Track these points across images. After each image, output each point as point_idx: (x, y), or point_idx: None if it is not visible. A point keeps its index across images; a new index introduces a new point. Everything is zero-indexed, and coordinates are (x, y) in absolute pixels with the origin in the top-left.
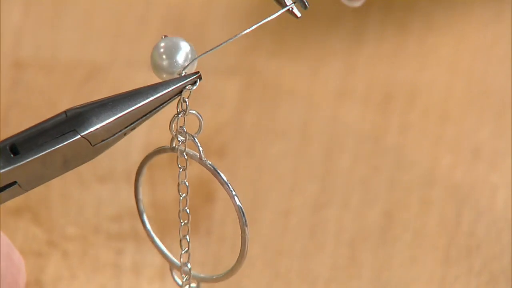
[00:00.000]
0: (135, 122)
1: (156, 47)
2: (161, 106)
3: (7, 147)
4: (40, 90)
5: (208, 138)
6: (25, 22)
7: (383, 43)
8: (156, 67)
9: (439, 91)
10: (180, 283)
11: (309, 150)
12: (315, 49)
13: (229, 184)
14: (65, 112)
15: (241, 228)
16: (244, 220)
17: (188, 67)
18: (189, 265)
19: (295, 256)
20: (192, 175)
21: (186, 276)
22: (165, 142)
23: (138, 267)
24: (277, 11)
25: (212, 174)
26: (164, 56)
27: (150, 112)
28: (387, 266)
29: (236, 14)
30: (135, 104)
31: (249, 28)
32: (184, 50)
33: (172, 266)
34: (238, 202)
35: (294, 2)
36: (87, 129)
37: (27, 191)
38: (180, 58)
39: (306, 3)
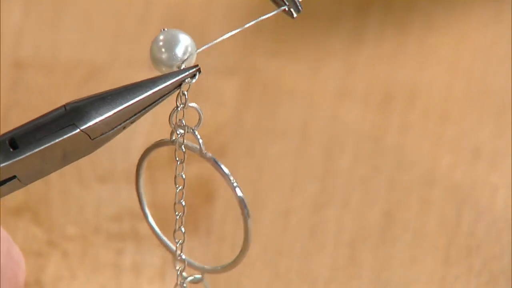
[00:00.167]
0: (134, 115)
1: (155, 40)
2: (160, 100)
3: (6, 142)
4: (40, 90)
5: (208, 138)
6: (25, 22)
7: (383, 43)
8: (155, 60)
9: (439, 91)
10: (184, 274)
11: (309, 150)
12: (315, 49)
13: (230, 176)
14: (64, 106)
15: (243, 219)
16: (246, 212)
17: (188, 60)
18: (183, 256)
19: (295, 256)
20: (192, 174)
21: (181, 266)
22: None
23: (138, 267)
24: (274, 10)
25: (213, 166)
26: (163, 49)
27: (149, 105)
28: (387, 266)
29: (236, 14)
30: (134, 98)
31: (248, 24)
32: (183, 43)
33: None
34: (239, 194)
35: (287, 5)
36: (86, 123)
37: (26, 185)
38: (179, 51)
39: (299, 7)
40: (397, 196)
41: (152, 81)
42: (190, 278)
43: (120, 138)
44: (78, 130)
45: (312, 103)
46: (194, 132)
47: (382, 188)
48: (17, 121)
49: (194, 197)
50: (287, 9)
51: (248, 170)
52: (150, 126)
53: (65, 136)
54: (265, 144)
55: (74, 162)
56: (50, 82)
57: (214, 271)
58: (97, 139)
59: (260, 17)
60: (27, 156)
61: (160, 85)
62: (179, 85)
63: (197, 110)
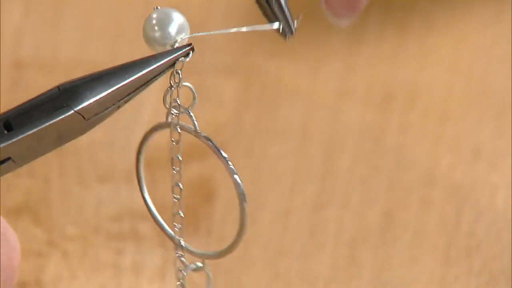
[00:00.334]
0: (128, 95)
1: (148, 18)
2: (154, 79)
3: (1, 124)
4: (40, 90)
5: None
6: (25, 22)
7: (383, 43)
8: (149, 39)
9: (439, 91)
10: (186, 263)
11: (309, 150)
12: (315, 49)
13: (226, 158)
14: (57, 86)
15: (239, 203)
16: (242, 196)
17: (181, 39)
18: (182, 242)
19: (295, 256)
20: (192, 175)
21: (181, 253)
22: (165, 142)
23: (138, 267)
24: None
25: (208, 146)
26: (156, 28)
27: (143, 84)
28: (387, 266)
29: (236, 14)
30: (128, 78)
31: (242, 28)
32: (176, 22)
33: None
34: (237, 179)
35: (280, 25)
36: (80, 104)
37: (21, 166)
38: (173, 29)
39: (293, 30)
40: (397, 196)
41: (146, 60)
42: (192, 266)
43: (120, 138)
44: (72, 112)
45: (312, 103)
46: (189, 113)
47: (382, 188)
48: None
49: (194, 197)
50: (280, 29)
51: (247, 170)
52: (150, 125)
53: (59, 118)
54: (264, 144)
55: (74, 163)
56: (50, 82)
57: (212, 256)
58: (91, 119)
59: (254, 25)
60: (21, 138)
61: (154, 64)
62: (172, 64)
63: (191, 89)
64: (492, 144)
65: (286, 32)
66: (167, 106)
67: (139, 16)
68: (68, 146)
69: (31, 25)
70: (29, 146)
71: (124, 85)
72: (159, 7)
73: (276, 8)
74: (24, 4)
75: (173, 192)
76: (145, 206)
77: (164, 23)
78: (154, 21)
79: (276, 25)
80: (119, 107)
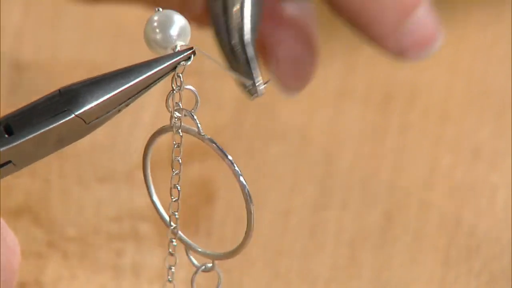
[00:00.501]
0: (129, 98)
1: (150, 20)
2: (155, 82)
3: (1, 127)
4: (40, 90)
5: None
6: (25, 22)
7: None
8: (150, 41)
9: (439, 91)
10: (197, 264)
11: (309, 150)
12: None
13: (230, 158)
14: (59, 90)
15: (246, 206)
16: (248, 197)
17: (182, 41)
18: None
19: (295, 256)
20: (192, 176)
21: (173, 237)
22: (166, 143)
23: (138, 267)
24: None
25: (212, 148)
26: (157, 30)
27: (144, 88)
28: (387, 266)
29: None
30: (129, 81)
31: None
32: (178, 24)
33: (188, 247)
34: (237, 169)
35: (250, 84)
36: (81, 108)
37: (21, 168)
38: (174, 31)
39: (259, 92)
40: (397, 197)
41: (147, 64)
42: (202, 267)
43: (120, 138)
44: (73, 116)
45: (312, 104)
46: (192, 115)
47: (382, 189)
48: None
49: (194, 198)
50: (249, 88)
51: (248, 170)
52: (150, 127)
53: (60, 122)
54: (264, 145)
55: (74, 163)
56: (50, 83)
57: (220, 257)
58: (92, 122)
59: (235, 72)
60: (22, 142)
61: (155, 68)
62: (174, 67)
63: (194, 93)
64: (492, 144)
65: (252, 91)
66: (170, 109)
67: (139, 16)
68: (68, 147)
69: (31, 25)
70: (29, 150)
71: (125, 89)
72: (160, 9)
73: (244, 65)
74: (24, 4)
75: (171, 194)
76: (146, 207)
77: (165, 25)
78: (155, 23)
79: (248, 83)
80: (119, 110)
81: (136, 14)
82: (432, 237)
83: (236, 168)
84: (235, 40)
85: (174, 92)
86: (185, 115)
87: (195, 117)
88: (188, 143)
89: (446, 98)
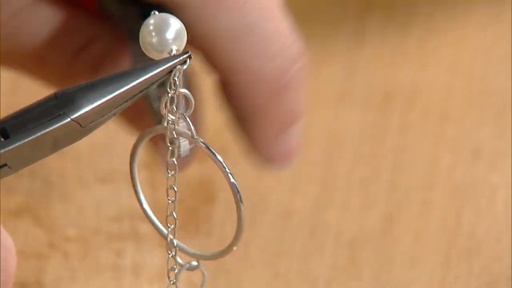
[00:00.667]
0: (125, 102)
1: (146, 24)
2: (151, 86)
3: None
4: (40, 92)
5: (208, 140)
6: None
7: (384, 44)
8: (146, 45)
9: (439, 91)
10: (181, 262)
11: (309, 152)
12: (316, 51)
13: (222, 162)
14: (55, 94)
15: (236, 205)
16: (239, 197)
17: (178, 45)
18: (175, 241)
19: (295, 257)
20: (192, 176)
21: (172, 251)
22: None
23: (138, 268)
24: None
25: (205, 152)
26: (153, 33)
27: (140, 92)
28: (387, 267)
29: None
30: (125, 85)
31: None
32: (174, 27)
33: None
34: (232, 180)
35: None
36: (77, 112)
37: (16, 171)
38: (170, 35)
39: (173, 161)
40: (397, 197)
41: (143, 68)
42: (186, 266)
43: (120, 139)
44: (68, 120)
45: (313, 105)
46: (186, 118)
47: (382, 189)
48: None
49: (194, 198)
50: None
51: (248, 172)
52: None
53: (55, 126)
54: None
55: (74, 164)
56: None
57: (208, 257)
58: (87, 126)
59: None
60: (18, 146)
61: (151, 72)
62: (169, 71)
63: (188, 97)
64: (492, 145)
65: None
66: (164, 112)
67: None
68: (68, 148)
69: None
70: (25, 153)
71: (121, 93)
72: (156, 12)
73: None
74: None
75: (167, 195)
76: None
77: (161, 28)
78: (151, 27)
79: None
80: (115, 114)
81: None
82: (432, 238)
83: (228, 170)
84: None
85: (169, 95)
86: (179, 118)
87: (188, 119)
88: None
89: (446, 98)
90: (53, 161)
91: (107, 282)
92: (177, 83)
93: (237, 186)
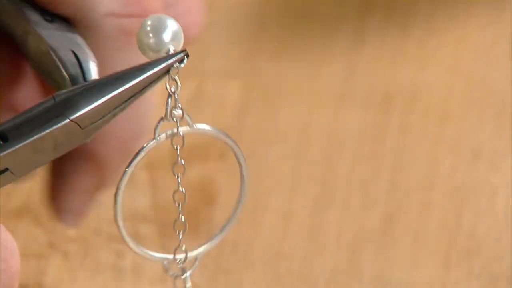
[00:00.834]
0: (124, 102)
1: (143, 25)
2: (149, 86)
3: None
4: None
5: (209, 141)
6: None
7: (384, 44)
8: (143, 46)
9: (439, 92)
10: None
11: (309, 152)
12: (316, 52)
13: (222, 134)
14: (53, 96)
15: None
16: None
17: (175, 46)
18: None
19: (295, 258)
20: (193, 177)
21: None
22: (166, 145)
23: (138, 269)
24: None
25: (210, 133)
26: (150, 34)
27: (138, 92)
28: (387, 268)
29: (236, 17)
30: (123, 85)
31: None
32: (170, 28)
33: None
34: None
35: None
36: (75, 113)
37: (20, 177)
38: (167, 36)
39: None
40: (397, 198)
41: (141, 68)
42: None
43: None
44: (68, 120)
45: (313, 105)
46: (186, 115)
47: (382, 190)
48: None
49: (195, 200)
50: None
51: (248, 174)
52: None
53: (55, 127)
54: (265, 147)
55: None
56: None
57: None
58: (87, 128)
59: None
60: (17, 149)
61: (148, 71)
62: (167, 71)
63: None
64: (492, 145)
65: None
66: (168, 112)
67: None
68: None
69: None
70: (26, 157)
71: (119, 93)
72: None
73: None
74: None
75: (173, 198)
76: (147, 209)
77: (158, 30)
78: (148, 28)
79: None
80: (115, 115)
81: None
82: (433, 239)
83: (236, 147)
84: None
85: (174, 95)
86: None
87: (186, 114)
88: (188, 145)
89: (446, 98)
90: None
91: (107, 283)
92: (178, 82)
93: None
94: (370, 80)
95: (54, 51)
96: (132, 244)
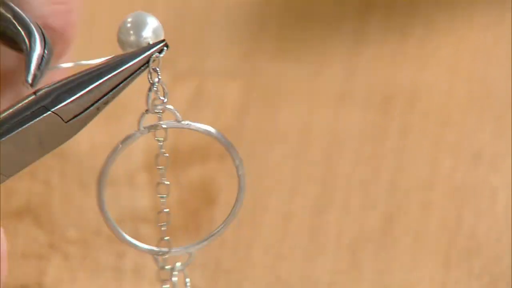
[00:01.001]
0: (106, 95)
1: (123, 22)
2: (130, 77)
3: None
4: None
5: (209, 142)
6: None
7: (384, 45)
8: (123, 43)
9: (440, 93)
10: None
11: (309, 153)
12: (316, 53)
13: (217, 133)
14: (34, 92)
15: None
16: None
17: (154, 38)
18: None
19: (295, 259)
20: (194, 178)
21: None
22: (167, 146)
23: (138, 270)
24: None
25: (196, 130)
26: (131, 32)
27: (120, 83)
28: (387, 269)
29: (236, 17)
30: (103, 77)
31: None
32: (151, 26)
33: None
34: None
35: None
36: (56, 105)
37: (8, 177)
38: (147, 33)
39: (30, 78)
40: (397, 199)
41: (121, 59)
42: (172, 250)
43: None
44: (49, 113)
45: (313, 106)
46: (171, 108)
47: (383, 191)
48: None
49: (195, 200)
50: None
51: (249, 173)
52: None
53: (36, 120)
54: (266, 148)
55: (75, 166)
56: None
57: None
58: (71, 121)
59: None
60: (1, 144)
61: (129, 62)
62: (147, 61)
63: (162, 85)
64: (492, 146)
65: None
66: (148, 103)
67: None
68: (69, 149)
69: None
70: (10, 154)
71: (100, 84)
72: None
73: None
74: None
75: (157, 191)
76: (147, 210)
77: (138, 27)
78: (129, 25)
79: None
80: (98, 108)
81: None
82: (433, 239)
83: (228, 140)
84: None
85: (154, 87)
86: (161, 111)
87: (171, 107)
88: (188, 146)
89: (447, 100)
90: (54, 162)
91: (108, 284)
92: (158, 72)
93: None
94: (370, 80)
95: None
96: (120, 234)
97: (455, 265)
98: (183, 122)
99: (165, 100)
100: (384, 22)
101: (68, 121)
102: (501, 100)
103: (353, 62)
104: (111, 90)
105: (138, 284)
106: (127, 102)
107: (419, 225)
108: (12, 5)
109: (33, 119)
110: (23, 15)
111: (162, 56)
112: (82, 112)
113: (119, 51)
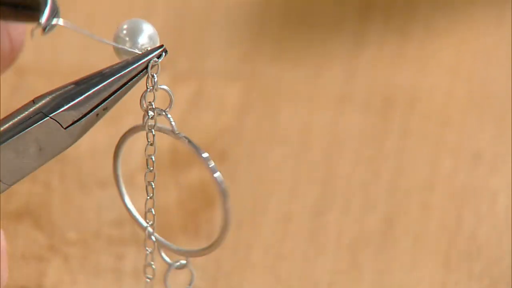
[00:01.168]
0: (105, 100)
1: (119, 29)
2: (129, 83)
3: None
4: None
5: (209, 143)
6: (25, 27)
7: (384, 47)
8: (118, 50)
9: (440, 95)
10: (169, 261)
11: (309, 154)
12: (316, 54)
13: (205, 157)
14: (33, 100)
15: (222, 199)
16: (223, 190)
17: (151, 44)
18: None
19: (296, 261)
20: (193, 179)
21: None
22: (166, 146)
23: (139, 272)
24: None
25: (187, 146)
26: (126, 39)
27: (118, 89)
28: (387, 270)
29: (236, 18)
30: (102, 82)
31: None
32: (146, 32)
33: (160, 245)
34: (216, 174)
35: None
36: (55, 110)
37: (9, 185)
38: (143, 40)
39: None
40: (397, 201)
41: (119, 65)
42: (176, 264)
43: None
44: (47, 118)
45: (313, 108)
46: (166, 114)
47: (383, 193)
48: None
49: (195, 202)
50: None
51: (248, 175)
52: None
53: (34, 126)
54: (265, 149)
55: (75, 168)
56: (50, 86)
57: (194, 253)
58: (70, 128)
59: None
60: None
61: (127, 68)
62: (146, 67)
63: (168, 92)
64: (492, 147)
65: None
66: (143, 108)
67: None
68: (69, 151)
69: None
70: (10, 161)
71: (98, 90)
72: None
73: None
74: None
75: (147, 192)
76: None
77: (134, 34)
78: (124, 31)
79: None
80: (97, 115)
81: None
82: (433, 241)
83: (211, 164)
84: None
85: (148, 91)
86: (158, 114)
87: (169, 115)
88: (187, 147)
89: (447, 102)
90: (54, 164)
91: (108, 286)
92: (155, 77)
93: (221, 178)
94: (370, 82)
95: None
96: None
97: (455, 266)
98: (178, 133)
99: (168, 110)
100: (384, 23)
101: (67, 127)
102: (501, 101)
103: (353, 63)
104: (110, 96)
105: (138, 286)
106: (127, 104)
107: (419, 225)
108: None
109: (31, 126)
110: None
111: (161, 61)
112: (81, 118)
113: (119, 51)
